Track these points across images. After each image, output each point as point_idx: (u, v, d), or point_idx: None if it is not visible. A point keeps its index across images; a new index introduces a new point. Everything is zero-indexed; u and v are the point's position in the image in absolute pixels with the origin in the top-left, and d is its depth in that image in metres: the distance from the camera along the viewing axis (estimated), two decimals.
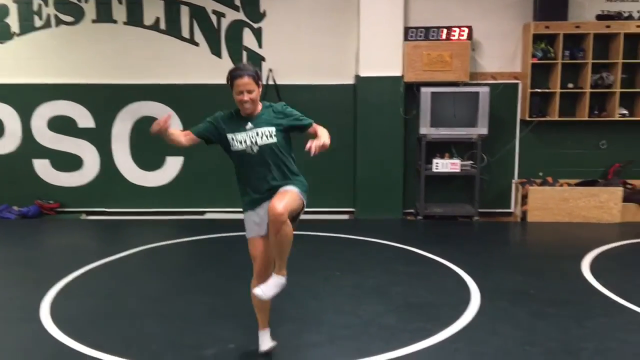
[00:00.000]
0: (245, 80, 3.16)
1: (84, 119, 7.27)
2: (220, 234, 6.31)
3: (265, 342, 3.46)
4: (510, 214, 7.21)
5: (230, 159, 3.34)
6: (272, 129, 3.24)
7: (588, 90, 6.73)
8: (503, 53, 7.00)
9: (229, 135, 3.25)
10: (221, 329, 3.85)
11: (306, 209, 7.22)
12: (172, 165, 7.38)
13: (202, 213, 7.38)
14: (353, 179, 7.06)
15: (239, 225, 6.57)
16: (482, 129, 6.73)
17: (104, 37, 7.09)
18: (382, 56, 6.75)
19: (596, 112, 6.87)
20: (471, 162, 6.95)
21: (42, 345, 3.67)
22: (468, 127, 6.76)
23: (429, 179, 6.98)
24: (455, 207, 7.11)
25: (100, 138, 7.30)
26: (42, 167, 7.35)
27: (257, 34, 7.10)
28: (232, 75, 3.20)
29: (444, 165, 6.87)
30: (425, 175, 6.90)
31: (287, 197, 3.15)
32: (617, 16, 6.75)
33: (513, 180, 7.19)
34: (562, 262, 5.26)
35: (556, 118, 6.84)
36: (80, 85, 7.18)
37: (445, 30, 6.70)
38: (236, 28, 7.10)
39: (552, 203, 6.74)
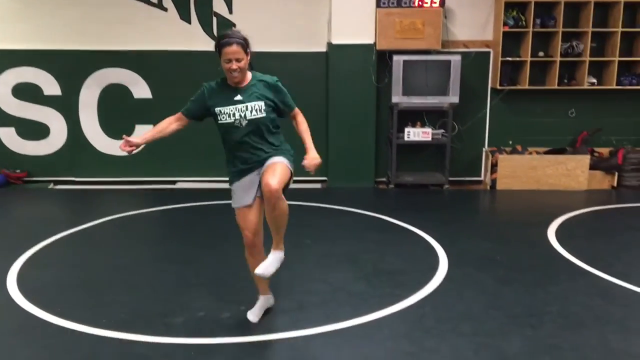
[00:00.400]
0: (234, 49, 3.09)
1: (50, 86, 7.10)
2: (191, 203, 6.27)
3: (254, 308, 3.51)
4: (480, 182, 7.30)
5: (218, 129, 3.30)
6: (262, 104, 3.20)
7: (558, 59, 6.77)
8: (475, 21, 6.99)
9: (217, 109, 3.22)
10: (190, 298, 3.85)
11: None
12: (142, 133, 7.25)
13: (174, 182, 7.31)
14: (325, 148, 7.05)
15: (210, 194, 6.64)
16: (453, 98, 6.74)
17: (69, 1, 6.88)
18: (354, 23, 6.68)
19: (566, 80, 6.93)
20: (442, 130, 6.98)
21: (9, 315, 3.63)
22: (440, 95, 6.77)
23: (401, 148, 7.00)
24: (426, 176, 7.17)
25: (67, 106, 7.14)
26: (8, 136, 7.19)
27: None
28: (220, 43, 3.13)
29: (415, 133, 6.89)
30: (397, 144, 6.92)
31: (278, 171, 3.14)
32: None
33: (483, 149, 7.25)
34: (529, 228, 5.36)
35: (526, 87, 6.89)
36: (45, 51, 7.00)
37: None
38: None
39: (521, 171, 6.83)
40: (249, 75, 3.26)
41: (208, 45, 7.03)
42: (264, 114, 3.21)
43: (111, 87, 7.13)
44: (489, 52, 7.03)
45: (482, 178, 7.29)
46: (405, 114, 6.92)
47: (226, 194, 6.61)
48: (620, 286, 4.01)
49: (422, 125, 7.00)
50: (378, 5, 6.65)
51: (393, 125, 6.90)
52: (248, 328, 3.40)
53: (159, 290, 4.00)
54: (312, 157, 3.24)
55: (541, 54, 6.89)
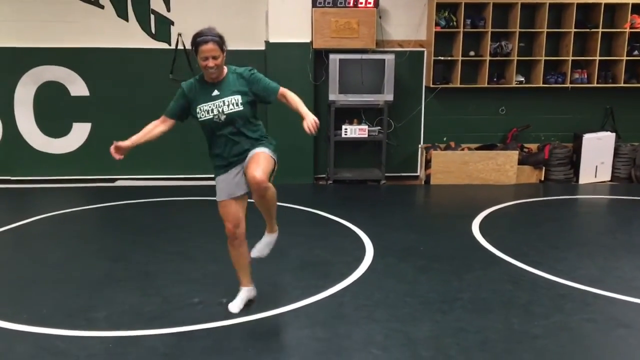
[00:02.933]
0: (210, 46, 3.16)
1: None
2: (128, 201, 6.28)
3: (236, 300, 3.61)
4: (416, 177, 7.52)
5: (200, 127, 3.37)
6: (239, 97, 3.26)
7: (488, 58, 7.05)
8: (409, 21, 7.20)
9: (197, 107, 3.28)
10: (115, 292, 3.90)
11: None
12: (80, 131, 7.22)
13: (113, 180, 7.28)
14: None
15: (150, 191, 6.65)
16: (388, 96, 6.94)
17: None
18: (291, 22, 6.80)
19: (495, 79, 7.21)
20: (379, 127, 7.17)
21: None
22: (375, 93, 6.95)
23: (339, 145, 7.17)
24: (364, 172, 7.35)
25: (2, 103, 7.03)
26: None
27: None
28: (197, 42, 3.19)
29: (352, 130, 7.06)
30: (335, 140, 7.08)
31: (262, 162, 3.21)
32: None
33: (419, 145, 7.48)
34: (456, 221, 5.59)
35: (458, 85, 7.14)
36: None
37: None
38: None
39: (454, 166, 7.08)
40: (225, 69, 3.33)
41: (146, 42, 7.08)
42: (241, 108, 3.27)
43: (47, 85, 7.06)
44: (422, 52, 7.25)
45: (418, 174, 7.52)
46: (343, 112, 7.08)
47: (164, 190, 6.71)
48: (531, 273, 4.26)
49: (359, 123, 7.17)
50: (314, 4, 6.78)
51: (330, 122, 7.05)
52: (168, 321, 3.48)
53: (84, 286, 4.03)
54: (310, 119, 3.20)
55: (472, 53, 7.15)
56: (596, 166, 7.23)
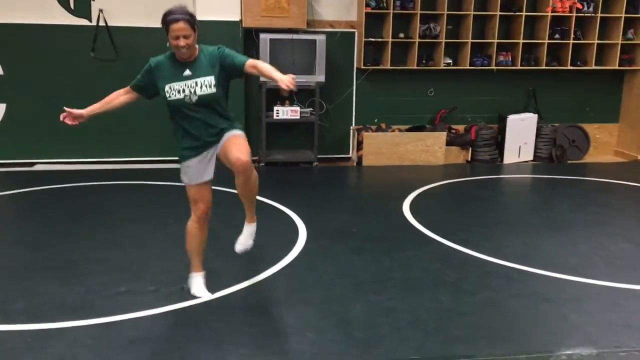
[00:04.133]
0: (181, 25, 3.05)
1: None
2: (48, 186, 5.96)
3: (198, 285, 3.55)
4: (348, 159, 7.55)
5: (167, 106, 3.23)
6: (212, 79, 3.16)
7: (417, 40, 7.12)
8: (340, 1, 7.17)
9: (166, 86, 3.16)
10: (34, 283, 3.69)
11: (147, 158, 7.05)
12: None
13: (31, 164, 6.89)
14: None
15: (71, 175, 6.34)
16: (319, 77, 6.89)
17: None
18: (218, 0, 6.60)
19: (424, 61, 7.31)
20: (311, 109, 7.12)
21: None
22: (306, 74, 6.89)
23: (271, 126, 7.07)
24: (296, 154, 7.30)
25: None
26: None
27: None
28: (167, 20, 3.08)
29: (284, 112, 6.98)
30: (267, 122, 6.98)
31: (243, 145, 3.17)
32: None
33: (351, 127, 7.50)
34: (387, 201, 5.64)
35: (389, 67, 7.19)
36: None
37: None
38: None
39: (385, 148, 7.15)
40: (197, 48, 3.20)
41: (64, 18, 6.69)
42: (214, 90, 3.16)
43: None
44: (353, 33, 7.24)
45: (350, 155, 7.55)
46: (274, 93, 6.93)
47: (87, 175, 6.41)
48: (459, 251, 4.35)
49: (291, 104, 7.10)
50: None
51: (262, 104, 6.94)
52: (92, 311, 3.31)
53: (1, 276, 3.78)
54: (285, 79, 2.96)
55: (402, 35, 7.21)
56: (519, 146, 7.50)
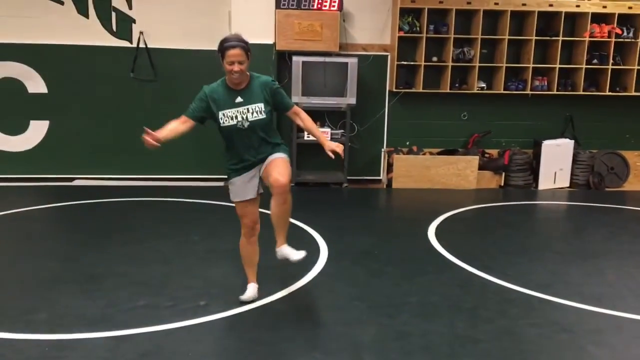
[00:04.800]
0: (237, 52, 3.26)
1: None
2: (84, 201, 6.17)
3: (250, 292, 3.74)
4: (378, 181, 7.54)
5: (219, 131, 3.42)
6: (262, 105, 3.36)
7: (450, 64, 7.11)
8: (373, 25, 7.23)
9: (220, 113, 3.34)
10: (58, 295, 3.82)
11: (181, 176, 7.24)
12: (37, 129, 7.09)
13: (71, 179, 7.15)
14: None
15: (107, 191, 6.54)
16: (350, 99, 6.95)
17: None
18: (254, 23, 6.77)
19: (457, 84, 7.27)
20: (342, 130, 7.17)
21: None
22: (338, 96, 6.96)
23: (302, 147, 7.15)
24: (326, 175, 7.34)
25: None
26: None
27: None
28: (224, 46, 3.28)
29: None
30: (297, 143, 7.06)
31: (284, 167, 3.33)
32: None
33: (382, 149, 7.51)
34: (413, 225, 5.61)
35: (421, 90, 7.18)
36: None
37: (316, 0, 6.81)
38: None
39: (415, 171, 7.12)
40: (248, 76, 3.40)
41: (106, 40, 6.98)
42: (264, 115, 3.37)
43: (4, 81, 6.91)
44: (386, 56, 7.28)
45: (380, 177, 7.54)
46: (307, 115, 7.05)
47: (122, 191, 6.60)
48: (481, 277, 4.28)
49: (322, 125, 7.17)
50: (278, 6, 6.77)
51: (293, 124, 7.02)
52: (110, 324, 3.41)
53: (27, 287, 3.93)
54: (334, 145, 3.50)
55: (435, 59, 7.21)
56: (555, 172, 7.34)
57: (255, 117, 3.35)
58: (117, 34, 6.99)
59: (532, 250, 4.95)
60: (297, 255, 3.47)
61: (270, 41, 6.84)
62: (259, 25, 6.78)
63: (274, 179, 3.25)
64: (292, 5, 6.78)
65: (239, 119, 3.34)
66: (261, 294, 3.86)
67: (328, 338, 3.32)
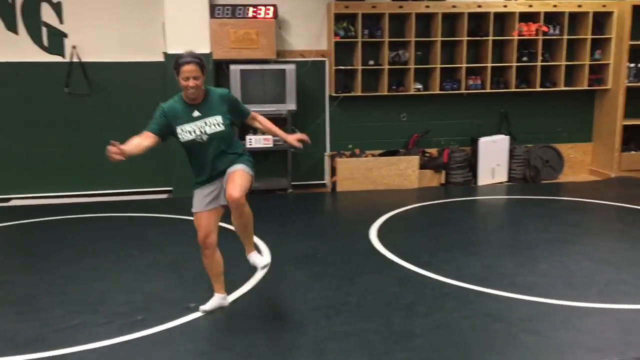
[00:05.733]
0: (192, 67, 3.31)
1: None
2: (19, 221, 6.00)
3: (211, 302, 3.76)
4: (323, 185, 7.61)
5: (181, 146, 3.50)
6: (220, 118, 3.42)
7: (387, 66, 7.24)
8: (310, 32, 7.30)
9: (178, 128, 3.41)
10: None
11: (122, 190, 7.11)
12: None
13: (7, 200, 6.94)
14: (169, 158, 6.99)
15: (44, 210, 6.37)
16: (291, 105, 6.99)
17: None
18: (189, 33, 6.73)
19: (394, 87, 7.42)
20: None
21: None
22: (278, 103, 6.99)
23: None
24: (271, 181, 7.36)
25: None
26: None
27: (57, 8, 6.78)
28: (179, 63, 3.33)
29: (257, 140, 7.06)
30: None
31: (239, 180, 3.36)
32: None
33: (325, 153, 7.57)
34: (355, 226, 5.67)
35: (360, 93, 7.29)
36: None
37: (251, 9, 6.83)
38: (32, 2, 6.71)
39: (358, 173, 7.21)
40: (204, 91, 3.46)
41: (38, 56, 6.81)
42: (223, 128, 3.44)
43: None
44: (324, 61, 7.36)
45: (324, 181, 7.60)
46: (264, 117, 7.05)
47: (60, 208, 6.44)
48: (419, 274, 4.38)
49: (264, 132, 7.16)
50: (212, 15, 6.76)
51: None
52: (42, 345, 3.33)
53: None
54: (296, 136, 3.71)
55: (371, 62, 7.33)
56: (493, 168, 7.56)
57: (214, 129, 3.42)
58: (48, 49, 6.84)
59: (469, 245, 5.08)
60: (264, 262, 3.67)
61: (207, 51, 6.81)
62: (194, 36, 6.74)
63: (228, 195, 3.31)
64: (227, 14, 6.78)
65: (198, 132, 3.40)
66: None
67: (267, 344, 3.33)
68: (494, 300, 3.89)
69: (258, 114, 3.76)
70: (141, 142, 3.41)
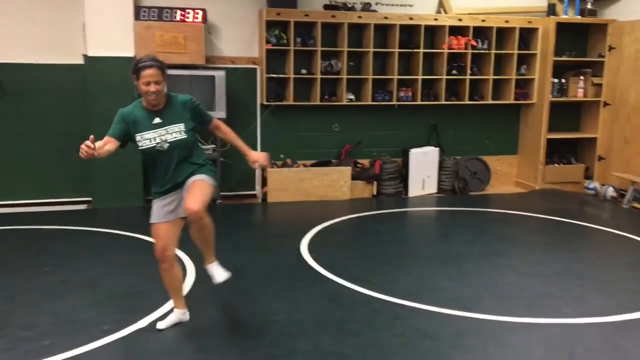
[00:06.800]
0: (153, 71, 3.18)
1: None
2: None
3: (168, 319, 3.60)
4: (254, 195, 7.40)
5: (140, 153, 3.33)
6: (182, 126, 3.28)
7: (319, 76, 7.14)
8: (241, 38, 7.11)
9: (137, 135, 3.25)
10: None
11: (36, 201, 6.62)
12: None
13: None
14: (88, 167, 6.59)
15: None
16: (220, 113, 6.74)
17: None
18: (111, 35, 6.40)
19: (327, 96, 7.33)
20: (214, 145, 6.95)
21: None
22: (207, 110, 6.69)
23: None
24: None
25: None
26: None
27: None
28: (139, 67, 3.20)
29: None
30: None
31: (199, 192, 3.21)
32: (343, 7, 7.25)
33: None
34: (287, 239, 5.51)
35: (292, 102, 7.15)
36: None
37: (179, 12, 6.57)
38: None
39: (290, 183, 7.06)
40: (166, 96, 3.31)
41: None
42: (184, 136, 3.28)
43: None
44: (255, 69, 7.18)
45: (255, 192, 7.40)
46: (227, 126, 6.77)
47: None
48: (350, 289, 4.26)
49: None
50: (137, 17, 6.45)
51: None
52: None
53: None
54: (258, 156, 3.49)
55: (304, 71, 7.21)
56: (423, 179, 7.60)
57: (175, 137, 3.27)
58: None
59: (399, 258, 5.03)
60: (221, 276, 3.45)
61: (131, 54, 6.48)
62: (117, 38, 6.41)
63: (187, 208, 3.15)
64: (153, 16, 6.49)
65: (158, 140, 3.25)
66: (118, 326, 3.58)
67: None
68: (424, 316, 3.83)
69: (222, 122, 3.59)
70: (102, 146, 3.23)
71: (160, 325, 3.55)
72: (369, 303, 4.02)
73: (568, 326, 3.68)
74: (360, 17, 7.17)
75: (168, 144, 3.26)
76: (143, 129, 3.26)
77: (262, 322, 3.70)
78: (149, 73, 3.17)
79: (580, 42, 8.08)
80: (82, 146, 2.99)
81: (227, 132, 3.57)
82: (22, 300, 4.00)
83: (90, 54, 6.39)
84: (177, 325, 3.63)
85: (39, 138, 6.61)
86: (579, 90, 7.95)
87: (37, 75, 6.48)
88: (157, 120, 3.27)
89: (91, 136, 3.02)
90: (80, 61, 6.53)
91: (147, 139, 3.25)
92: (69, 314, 3.78)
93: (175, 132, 3.27)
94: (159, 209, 3.41)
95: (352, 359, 3.24)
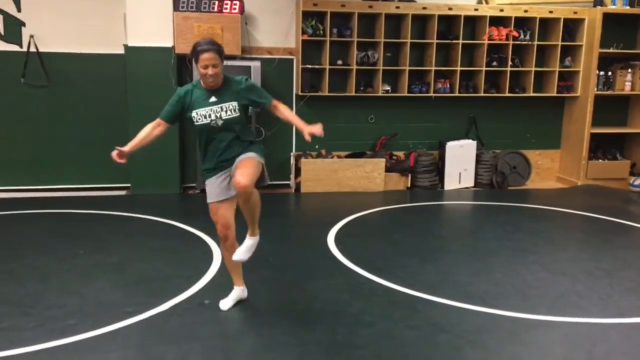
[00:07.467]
0: (211, 55, 3.30)
1: None
2: None
3: (229, 297, 3.76)
4: (288, 185, 7.45)
5: (195, 130, 3.48)
6: (236, 104, 3.41)
7: (354, 67, 7.11)
8: (277, 28, 7.15)
9: (193, 112, 3.40)
10: None
11: (80, 186, 6.87)
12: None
13: None
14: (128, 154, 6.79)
15: None
16: None
17: None
18: (151, 26, 6.56)
19: (362, 87, 7.29)
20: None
21: None
22: None
23: None
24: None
25: None
26: None
27: None
28: (197, 50, 3.32)
29: None
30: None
31: (248, 167, 3.32)
32: None
33: (291, 153, 7.43)
34: (315, 229, 5.54)
35: (327, 93, 7.16)
36: None
37: (217, 3, 6.66)
38: None
39: (323, 174, 7.08)
40: (222, 78, 3.44)
41: None
42: (238, 114, 3.43)
43: None
44: (292, 59, 7.21)
45: (289, 182, 7.46)
46: (285, 105, 6.89)
47: (11, 204, 6.21)
48: (371, 280, 4.25)
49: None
50: (176, 8, 6.58)
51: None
52: None
53: None
54: (311, 127, 3.44)
55: (340, 62, 7.19)
56: (460, 173, 7.48)
57: (229, 115, 3.40)
58: (5, 38, 6.60)
59: (426, 251, 4.97)
60: (242, 255, 3.53)
61: (169, 44, 6.62)
62: (156, 29, 6.56)
63: (236, 180, 3.26)
64: (192, 7, 6.60)
65: (213, 117, 3.39)
66: (141, 308, 3.69)
67: (201, 353, 3.18)
68: (443, 310, 3.78)
69: (280, 102, 3.63)
70: (151, 132, 3.50)
71: (223, 306, 3.70)
72: (389, 295, 4.00)
73: (591, 325, 3.57)
74: (398, 7, 7.09)
75: (222, 121, 3.40)
76: (199, 106, 3.41)
77: (280, 310, 3.74)
78: (206, 57, 3.29)
79: (629, 34, 7.76)
80: (113, 155, 3.35)
81: (285, 111, 3.62)
82: (54, 282, 4.17)
83: (131, 44, 6.56)
84: (195, 310, 3.71)
85: (83, 125, 6.85)
86: (626, 83, 7.65)
87: (81, 65, 6.71)
88: (213, 98, 3.41)
89: (116, 149, 3.36)
90: (122, 51, 6.71)
91: (202, 115, 3.40)
92: (97, 296, 3.92)
93: (230, 109, 3.41)
94: (215, 187, 3.52)
95: (363, 350, 3.24)
